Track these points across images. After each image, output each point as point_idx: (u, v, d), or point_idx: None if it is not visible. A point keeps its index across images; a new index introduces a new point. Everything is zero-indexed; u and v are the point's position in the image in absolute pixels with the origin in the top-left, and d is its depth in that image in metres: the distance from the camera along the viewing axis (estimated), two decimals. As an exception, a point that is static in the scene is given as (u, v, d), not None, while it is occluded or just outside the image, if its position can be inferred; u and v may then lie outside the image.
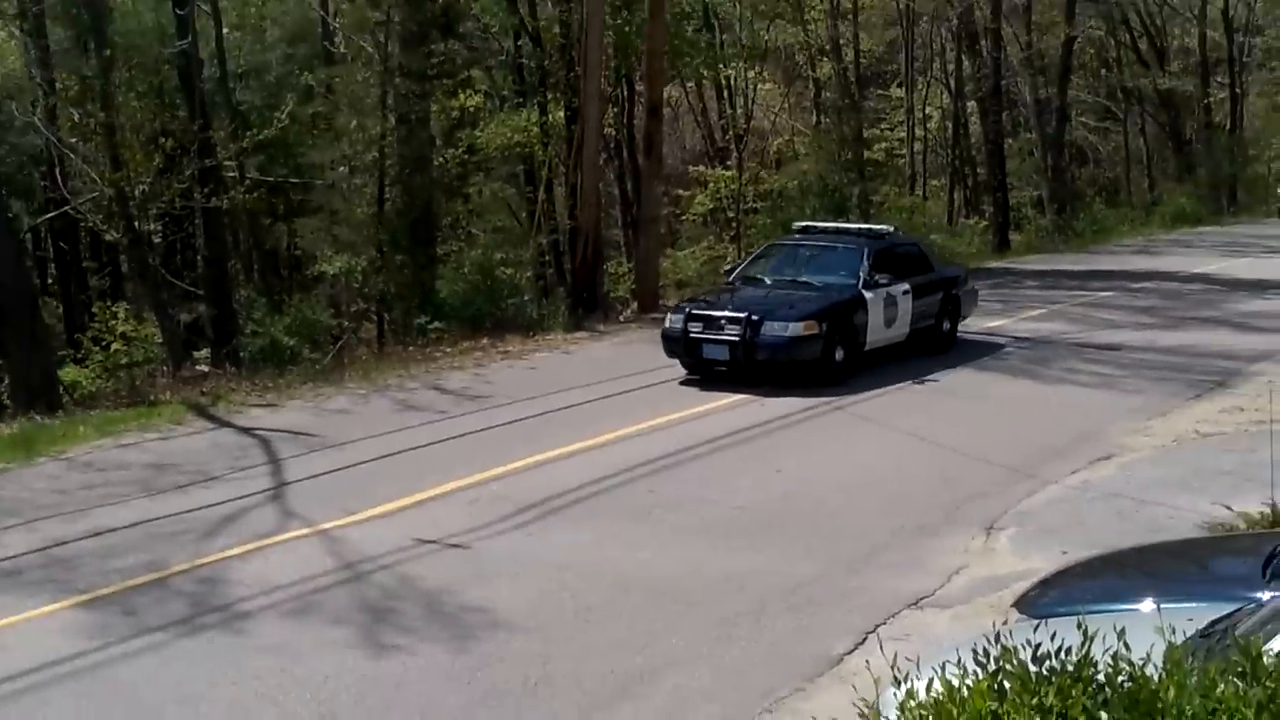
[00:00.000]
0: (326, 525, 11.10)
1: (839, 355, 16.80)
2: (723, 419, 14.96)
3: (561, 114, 30.20)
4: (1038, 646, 4.46)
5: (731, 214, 38.61)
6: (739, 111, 41.20)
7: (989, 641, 4.51)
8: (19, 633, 8.86)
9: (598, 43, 24.90)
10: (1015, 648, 4.46)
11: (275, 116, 27.70)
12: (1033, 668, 4.39)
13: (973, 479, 12.33)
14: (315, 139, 30.82)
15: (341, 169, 28.89)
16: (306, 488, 12.45)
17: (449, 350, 20.67)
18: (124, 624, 8.96)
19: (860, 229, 19.88)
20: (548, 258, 32.41)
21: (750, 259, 20.31)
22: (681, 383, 17.00)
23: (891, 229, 20.23)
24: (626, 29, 29.25)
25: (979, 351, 18.93)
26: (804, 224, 20.95)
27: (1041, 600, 7.91)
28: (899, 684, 4.55)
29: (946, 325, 19.13)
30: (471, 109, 31.20)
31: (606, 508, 11.68)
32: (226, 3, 31.34)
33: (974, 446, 13.52)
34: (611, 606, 9.16)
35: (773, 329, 16.43)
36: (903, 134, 45.51)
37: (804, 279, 18.01)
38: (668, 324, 17.50)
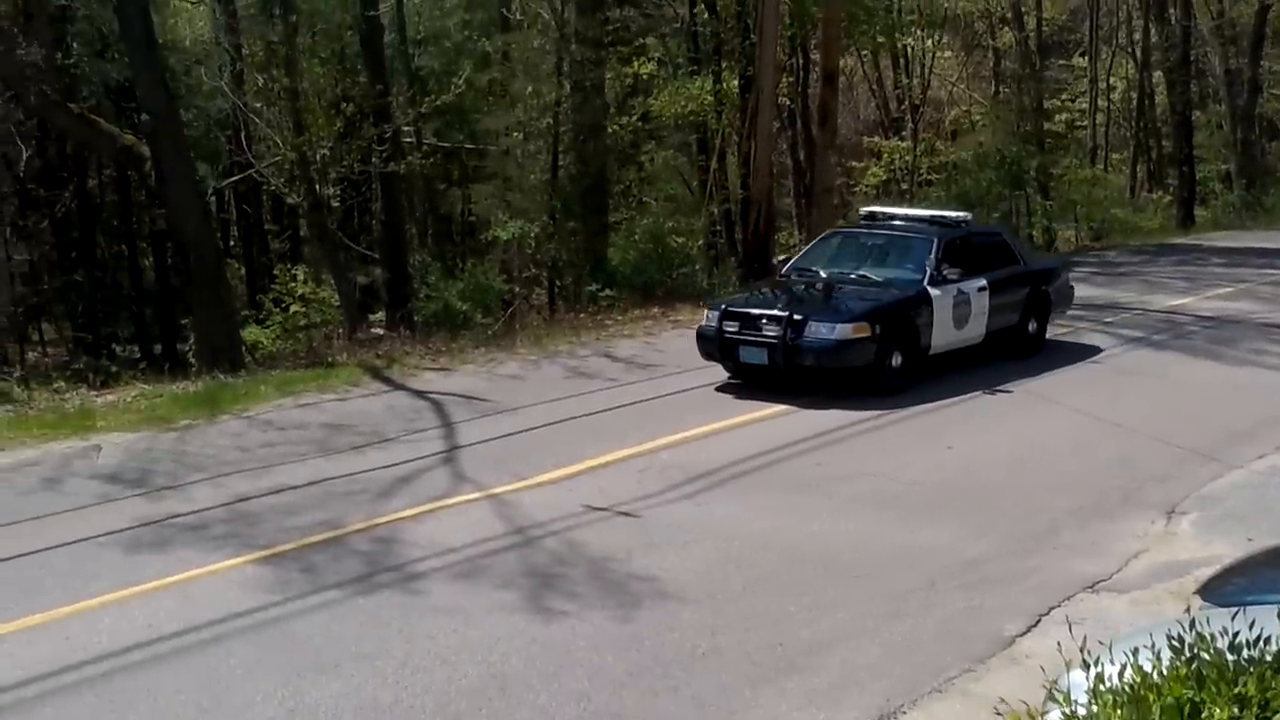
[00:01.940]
0: (498, 489, 11.21)
1: (895, 361, 14.93)
2: (887, 397, 14.74)
3: (736, 82, 30.03)
4: (1235, 634, 4.31)
5: (905, 186, 38.19)
6: (915, 81, 40.71)
7: (1183, 628, 4.37)
8: (203, 585, 9.09)
9: (774, 10, 24.66)
10: (1213, 635, 4.31)
11: (452, 82, 28.12)
12: (1230, 656, 4.24)
13: (1152, 461, 12.00)
14: (491, 105, 31.16)
15: (516, 135, 29.13)
16: (478, 452, 12.60)
17: (619, 318, 20.78)
18: (302, 580, 9.15)
19: (933, 216, 17.53)
20: (719, 227, 32.36)
21: (806, 249, 18.24)
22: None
23: (969, 216, 18.17)
24: (803, -4, 28.97)
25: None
26: (870, 209, 18.28)
27: (1226, 588, 7.65)
28: (1088, 667, 4.42)
29: (1033, 326, 17.11)
30: (645, 76, 31.26)
31: (775, 480, 11.61)
32: (407, -31, 31.80)
33: (1153, 427, 13.15)
34: (780, 578, 9.10)
35: (817, 330, 14.61)
36: (1084, 105, 44.45)
37: (863, 273, 16.20)
38: (703, 321, 15.71)
